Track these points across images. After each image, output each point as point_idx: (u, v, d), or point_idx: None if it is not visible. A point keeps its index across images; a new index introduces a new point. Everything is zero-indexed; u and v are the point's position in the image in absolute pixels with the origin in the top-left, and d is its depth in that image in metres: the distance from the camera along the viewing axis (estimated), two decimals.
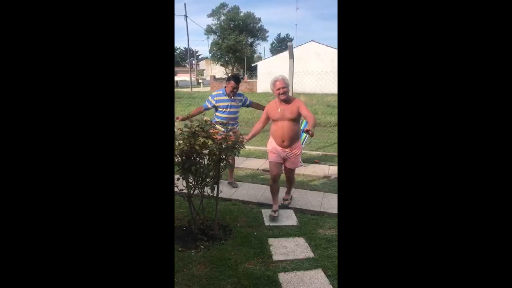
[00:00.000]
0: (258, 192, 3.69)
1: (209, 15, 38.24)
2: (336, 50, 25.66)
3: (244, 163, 4.83)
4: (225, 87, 3.70)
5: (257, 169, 4.63)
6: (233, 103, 3.67)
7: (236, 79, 3.70)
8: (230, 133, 2.68)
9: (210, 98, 3.71)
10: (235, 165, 4.20)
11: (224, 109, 3.66)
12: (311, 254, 2.41)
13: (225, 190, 3.60)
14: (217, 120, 3.39)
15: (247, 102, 3.82)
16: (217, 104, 3.67)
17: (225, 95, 3.66)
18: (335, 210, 3.16)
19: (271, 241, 2.61)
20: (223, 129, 2.76)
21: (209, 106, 3.70)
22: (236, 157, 2.70)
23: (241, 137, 2.65)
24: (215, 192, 2.66)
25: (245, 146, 2.75)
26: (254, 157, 5.29)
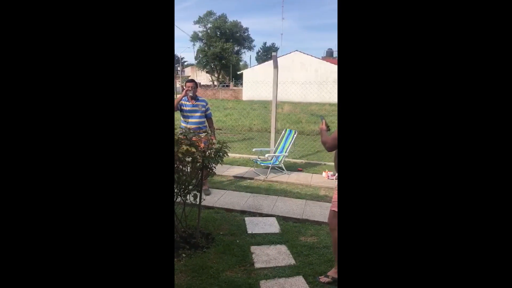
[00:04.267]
0: (241, 200, 3.70)
1: (196, 22, 38.36)
2: (320, 60, 26.19)
3: (227, 171, 4.84)
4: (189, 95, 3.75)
5: (241, 176, 4.64)
6: (195, 108, 3.76)
7: (192, 81, 3.84)
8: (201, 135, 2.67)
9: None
10: (218, 173, 4.21)
11: (186, 113, 3.76)
12: (292, 262, 2.44)
13: (208, 198, 3.59)
14: (183, 125, 3.43)
15: (208, 112, 3.87)
16: (181, 108, 3.76)
17: (187, 100, 3.77)
18: (317, 218, 3.21)
19: (253, 248, 2.62)
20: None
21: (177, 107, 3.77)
22: (219, 165, 2.70)
23: (224, 144, 2.66)
24: (197, 200, 2.66)
25: (228, 154, 2.76)
26: (238, 165, 5.30)
